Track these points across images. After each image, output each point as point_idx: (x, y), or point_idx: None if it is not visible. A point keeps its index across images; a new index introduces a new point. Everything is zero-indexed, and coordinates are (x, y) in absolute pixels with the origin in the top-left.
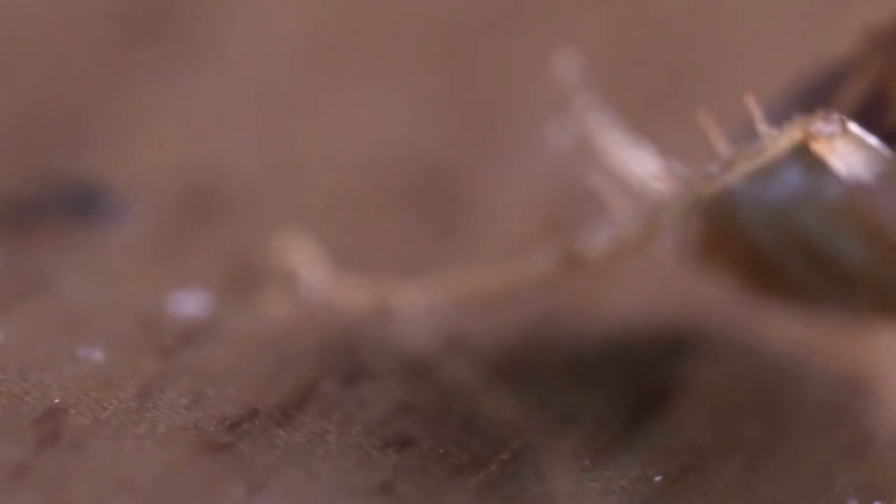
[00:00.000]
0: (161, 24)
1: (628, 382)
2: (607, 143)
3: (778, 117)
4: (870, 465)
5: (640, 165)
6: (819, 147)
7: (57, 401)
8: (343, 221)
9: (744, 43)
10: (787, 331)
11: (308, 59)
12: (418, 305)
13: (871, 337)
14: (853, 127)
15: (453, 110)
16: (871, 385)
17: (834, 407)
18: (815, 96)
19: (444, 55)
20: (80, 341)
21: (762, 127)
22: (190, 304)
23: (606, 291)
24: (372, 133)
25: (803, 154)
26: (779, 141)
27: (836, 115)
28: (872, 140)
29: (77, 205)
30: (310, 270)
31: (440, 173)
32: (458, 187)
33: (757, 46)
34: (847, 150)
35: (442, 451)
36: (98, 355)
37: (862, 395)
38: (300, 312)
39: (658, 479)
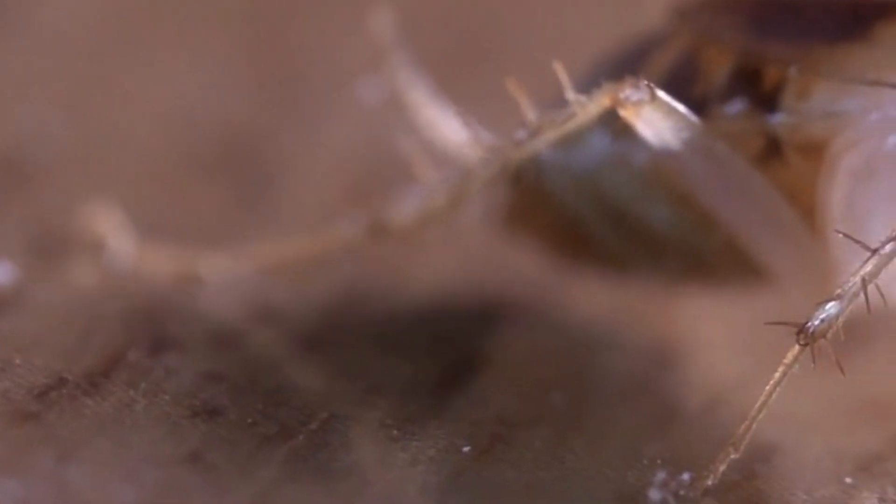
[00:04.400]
0: None
1: (436, 352)
2: (417, 105)
3: (588, 86)
4: (677, 436)
5: (450, 132)
6: (627, 113)
7: None
8: (149, 190)
9: (555, 12)
10: (594, 300)
11: (114, 29)
12: (225, 274)
13: (677, 307)
14: (661, 94)
15: (259, 76)
16: (677, 357)
17: (640, 378)
18: (626, 66)
19: (247, 20)
20: None
21: (570, 94)
22: None
23: (414, 259)
24: (178, 101)
25: (611, 121)
26: (587, 107)
27: (644, 82)
28: (681, 107)
29: None
30: (116, 239)
31: (246, 141)
32: (265, 154)
33: (568, 16)
34: (655, 117)
35: (250, 420)
36: None
37: (668, 366)
38: (107, 281)
39: (466, 449)
